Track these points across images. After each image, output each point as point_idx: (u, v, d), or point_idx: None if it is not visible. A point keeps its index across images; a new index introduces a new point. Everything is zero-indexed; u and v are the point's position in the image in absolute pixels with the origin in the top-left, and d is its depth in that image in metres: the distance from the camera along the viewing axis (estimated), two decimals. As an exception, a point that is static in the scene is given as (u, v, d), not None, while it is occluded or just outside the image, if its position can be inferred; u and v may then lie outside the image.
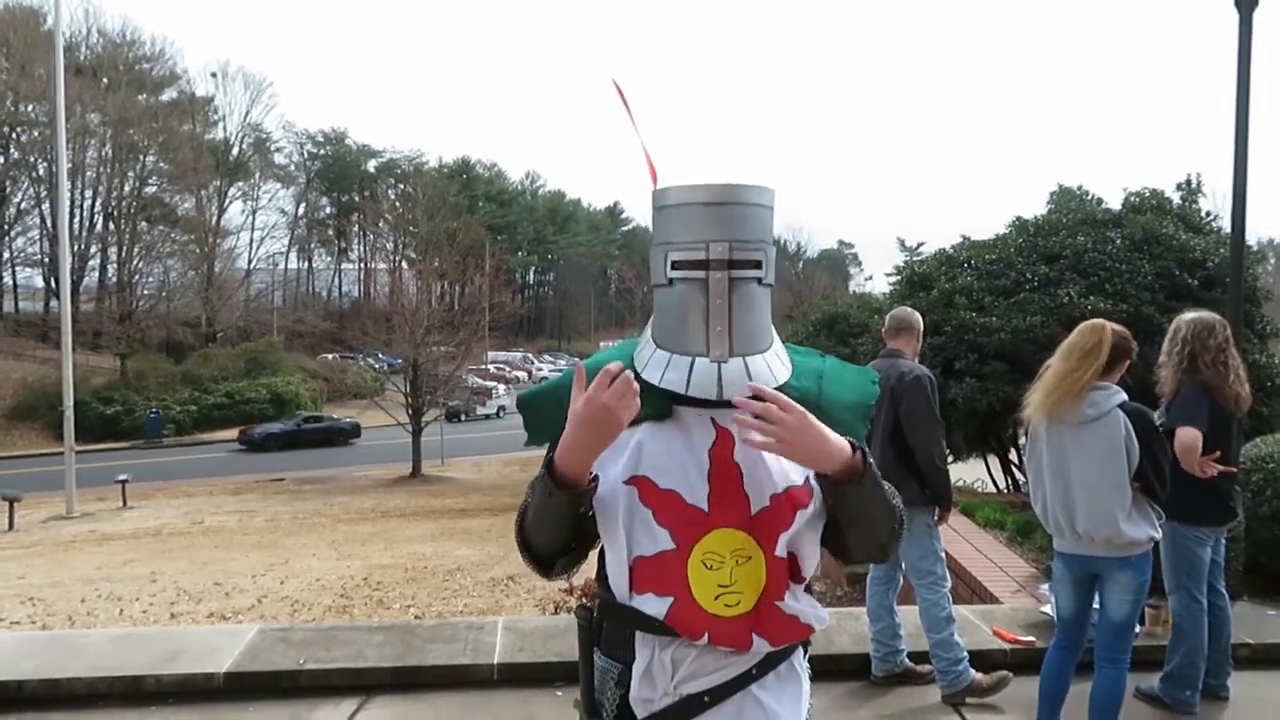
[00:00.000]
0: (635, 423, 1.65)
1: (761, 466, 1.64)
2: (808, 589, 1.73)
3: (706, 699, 1.64)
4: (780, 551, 1.64)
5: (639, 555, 1.64)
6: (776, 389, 1.66)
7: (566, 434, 1.56)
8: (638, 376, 1.67)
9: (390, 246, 58.40)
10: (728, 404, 1.65)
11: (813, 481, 1.68)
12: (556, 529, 1.64)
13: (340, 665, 4.70)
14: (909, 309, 4.82)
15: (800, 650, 1.75)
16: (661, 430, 1.66)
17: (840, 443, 1.59)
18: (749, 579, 1.63)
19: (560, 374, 1.83)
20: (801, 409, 1.54)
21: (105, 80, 45.91)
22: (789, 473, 1.68)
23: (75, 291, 40.42)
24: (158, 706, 4.40)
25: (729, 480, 1.61)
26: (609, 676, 1.71)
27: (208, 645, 4.93)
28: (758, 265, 1.65)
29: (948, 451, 11.96)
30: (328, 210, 70.81)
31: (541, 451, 1.73)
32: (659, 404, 1.66)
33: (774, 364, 1.68)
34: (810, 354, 1.85)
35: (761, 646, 1.64)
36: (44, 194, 43.57)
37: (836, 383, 1.78)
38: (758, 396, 1.56)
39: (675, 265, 1.65)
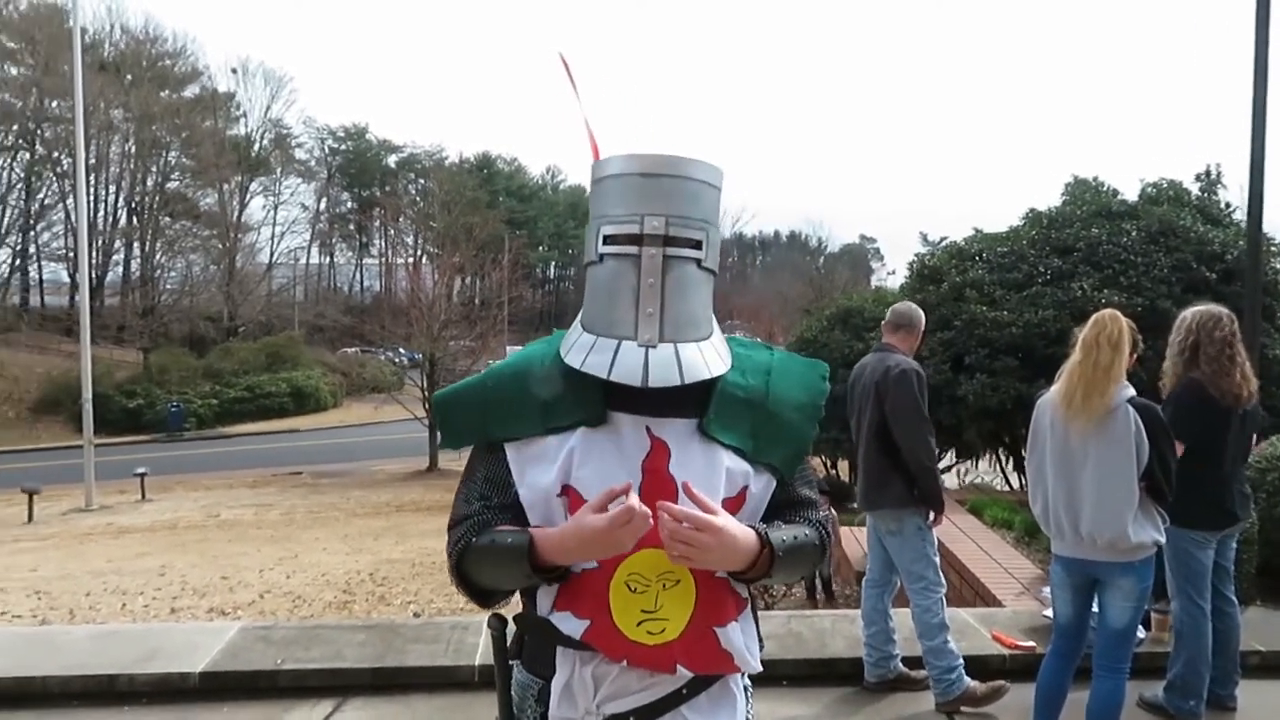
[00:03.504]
0: (569, 428, 1.54)
1: (700, 481, 1.50)
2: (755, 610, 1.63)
3: (632, 719, 1.52)
4: (721, 571, 1.52)
5: None
6: (714, 378, 1.55)
7: (566, 541, 1.44)
8: (562, 362, 1.56)
9: (410, 241, 58.59)
10: (665, 411, 1.53)
11: (750, 490, 1.57)
12: (510, 586, 1.57)
13: (318, 665, 4.61)
14: (912, 305, 4.65)
15: None
16: (595, 438, 1.53)
17: (750, 544, 1.47)
18: (677, 605, 1.50)
19: (479, 374, 1.72)
20: (719, 525, 1.42)
21: (128, 77, 46.19)
22: (736, 483, 1.56)
23: (99, 286, 40.86)
24: (131, 706, 4.33)
25: (662, 496, 1.47)
26: (529, 692, 1.60)
27: (188, 643, 4.86)
28: (697, 245, 1.52)
29: (948, 451, 11.76)
30: (349, 205, 71.08)
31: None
32: (594, 408, 1.53)
33: (709, 355, 1.55)
34: (756, 347, 1.72)
35: (687, 672, 1.52)
36: (69, 189, 43.93)
37: (785, 379, 1.65)
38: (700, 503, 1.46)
39: (607, 240, 1.52)
